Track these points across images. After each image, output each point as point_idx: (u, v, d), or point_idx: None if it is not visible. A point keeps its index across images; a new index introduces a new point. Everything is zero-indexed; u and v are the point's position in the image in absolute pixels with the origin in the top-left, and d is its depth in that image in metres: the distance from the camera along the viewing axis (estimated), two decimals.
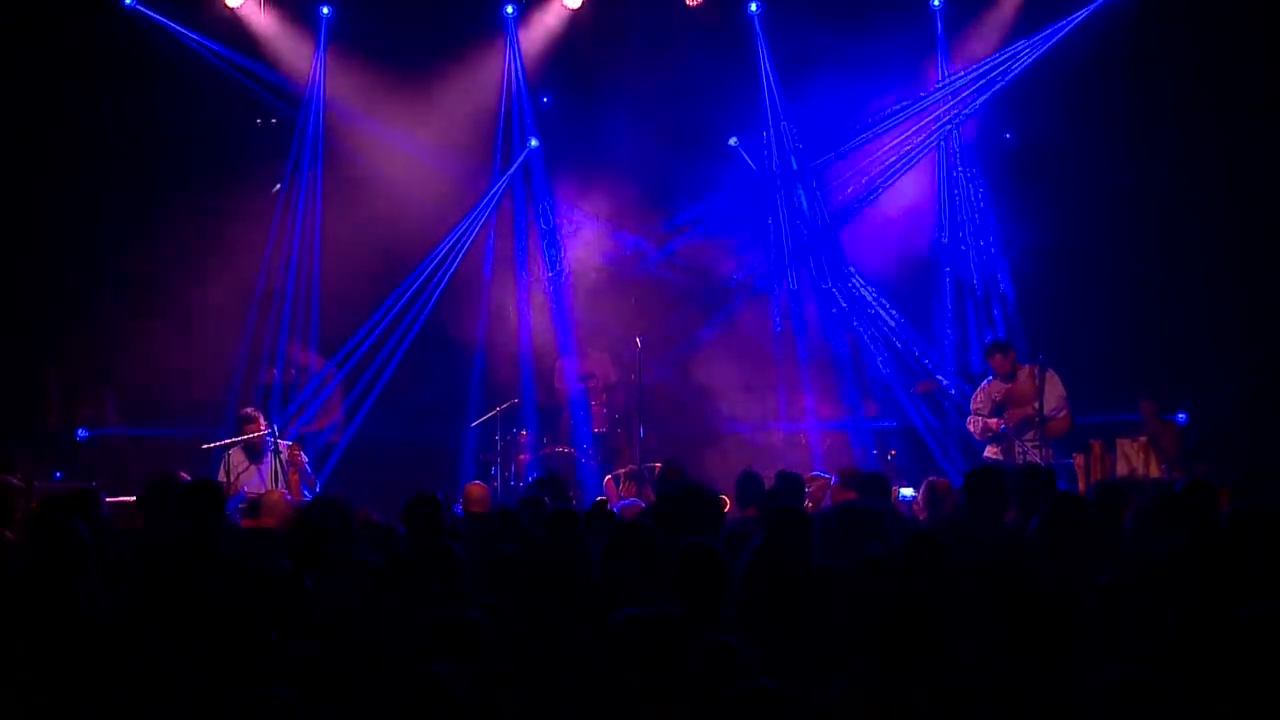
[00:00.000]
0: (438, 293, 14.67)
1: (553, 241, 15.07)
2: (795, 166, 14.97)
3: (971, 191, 14.72)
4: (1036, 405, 11.99)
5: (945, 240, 14.78)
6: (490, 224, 14.98)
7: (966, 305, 14.80)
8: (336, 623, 5.55)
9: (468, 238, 14.86)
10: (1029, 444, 12.03)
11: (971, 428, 12.58)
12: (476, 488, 10.49)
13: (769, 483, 9.28)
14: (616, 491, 12.98)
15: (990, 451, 12.42)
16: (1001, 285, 14.59)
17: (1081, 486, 11.40)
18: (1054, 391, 12.21)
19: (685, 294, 15.15)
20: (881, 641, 4.88)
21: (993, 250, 14.59)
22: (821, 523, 7.06)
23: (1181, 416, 12.55)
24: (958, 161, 14.80)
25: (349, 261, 14.15)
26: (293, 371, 14.29)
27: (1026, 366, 12.44)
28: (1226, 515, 6.66)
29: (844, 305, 14.94)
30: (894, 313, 14.87)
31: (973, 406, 12.70)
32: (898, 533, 7.03)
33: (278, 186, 14.52)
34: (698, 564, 5.81)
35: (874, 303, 14.88)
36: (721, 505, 7.99)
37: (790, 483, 8.99)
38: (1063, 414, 12.27)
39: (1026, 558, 6.46)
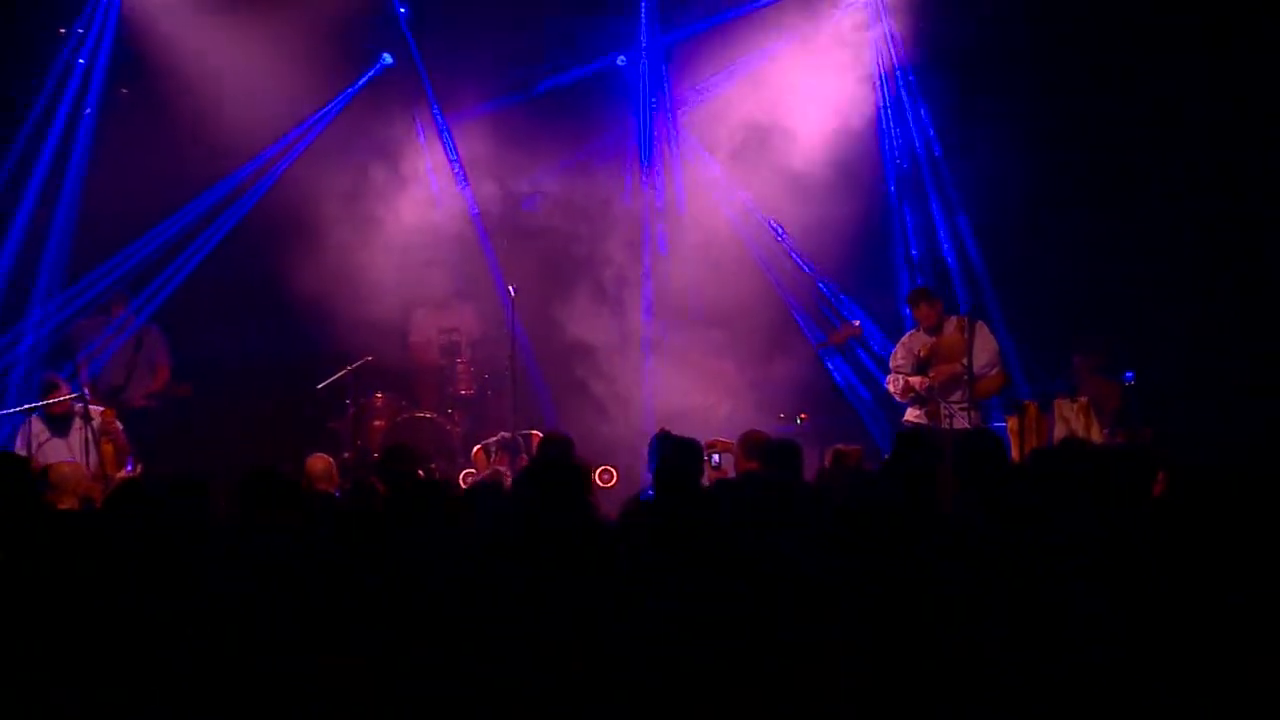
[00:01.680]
0: (249, 231, 14.54)
1: (411, 177, 15.01)
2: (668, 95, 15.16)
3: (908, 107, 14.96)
4: (965, 362, 12.04)
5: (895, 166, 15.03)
6: (330, 154, 14.81)
7: (895, 245, 15.08)
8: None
9: (282, 166, 14.65)
10: (956, 406, 12.08)
11: (891, 387, 12.65)
12: (320, 461, 10.44)
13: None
14: (487, 463, 13.08)
15: (911, 415, 12.50)
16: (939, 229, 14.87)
17: (1015, 453, 11.50)
18: (985, 346, 12.29)
19: (565, 238, 15.21)
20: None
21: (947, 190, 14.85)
22: (720, 498, 7.02)
23: (1128, 374, 12.73)
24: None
25: (140, 193, 13.91)
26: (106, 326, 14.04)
27: (954, 318, 12.53)
28: (1170, 485, 6.85)
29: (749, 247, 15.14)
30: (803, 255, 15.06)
31: (892, 363, 12.77)
32: (809, 510, 6.92)
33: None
34: (577, 549, 5.85)
35: (779, 237, 15.02)
36: (587, 478, 7.84)
37: (685, 451, 8.93)
38: (994, 371, 12.37)
39: (958, 538, 6.44)
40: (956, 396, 12.19)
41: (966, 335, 12.10)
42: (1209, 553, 5.54)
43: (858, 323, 14.31)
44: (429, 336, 14.85)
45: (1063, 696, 4.88)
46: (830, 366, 14.88)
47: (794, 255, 15.04)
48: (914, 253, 14.87)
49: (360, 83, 14.91)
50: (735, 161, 14.95)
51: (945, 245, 14.80)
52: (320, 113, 14.82)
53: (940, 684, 5.04)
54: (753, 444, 9.70)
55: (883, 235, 14.92)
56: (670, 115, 15.20)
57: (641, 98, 15.27)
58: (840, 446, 9.63)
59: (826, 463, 9.31)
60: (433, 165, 15.16)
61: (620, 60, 15.31)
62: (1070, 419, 11.91)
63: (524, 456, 13.20)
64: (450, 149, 15.12)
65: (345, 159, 14.87)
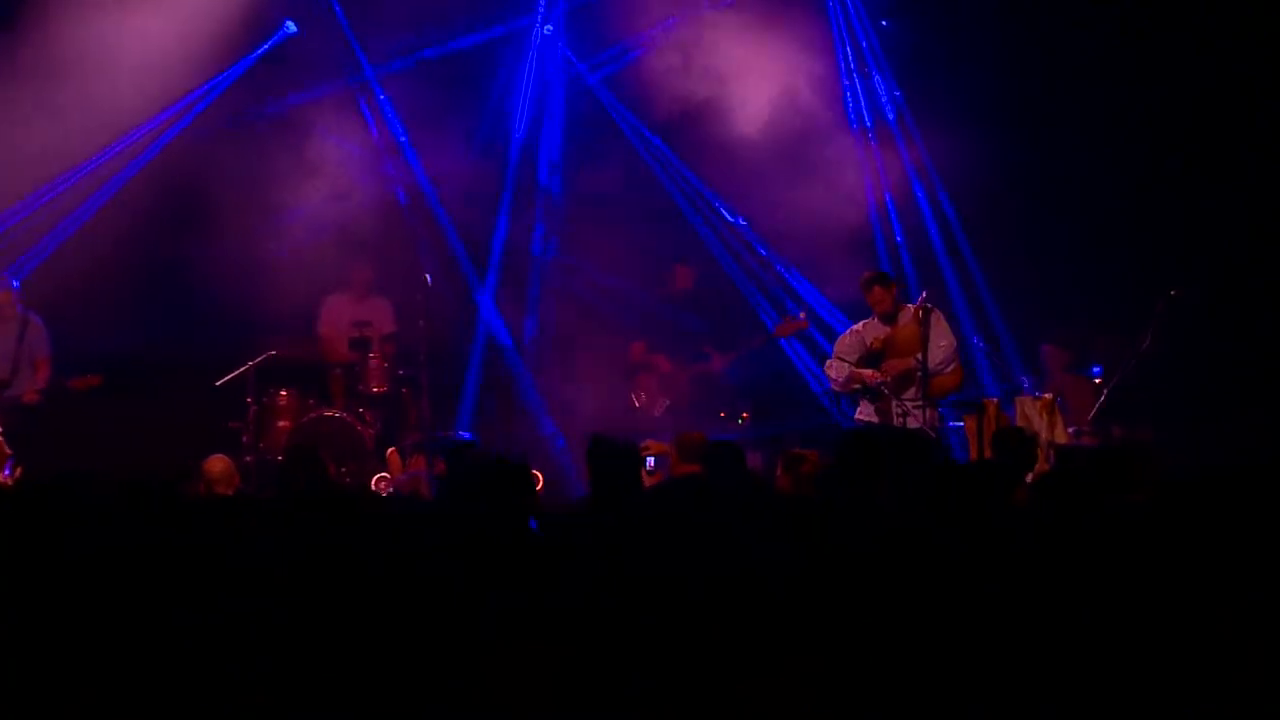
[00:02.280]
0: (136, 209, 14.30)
1: (322, 155, 14.90)
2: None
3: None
4: (920, 356, 12.02)
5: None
6: (228, 129, 14.71)
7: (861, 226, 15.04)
8: None
9: (167, 138, 14.49)
10: (910, 404, 12.04)
11: (831, 373, 12.54)
12: (219, 463, 10.45)
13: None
14: (402, 466, 12.96)
15: (863, 413, 12.44)
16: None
17: (974, 453, 11.54)
18: (941, 339, 12.24)
19: (479, 223, 15.23)
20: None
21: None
22: (656, 504, 7.16)
23: (1096, 369, 12.76)
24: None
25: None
26: None
27: (909, 307, 12.48)
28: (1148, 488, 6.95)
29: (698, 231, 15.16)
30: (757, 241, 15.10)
31: (836, 349, 12.65)
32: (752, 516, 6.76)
33: None
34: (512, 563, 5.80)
35: (734, 221, 15.03)
36: (530, 482, 7.79)
37: (621, 453, 8.71)
38: (952, 367, 12.32)
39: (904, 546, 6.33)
40: (910, 394, 12.17)
41: (921, 326, 12.07)
42: (1183, 563, 5.46)
43: (803, 315, 14.32)
44: (340, 329, 14.73)
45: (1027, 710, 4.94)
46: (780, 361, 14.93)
47: (750, 238, 15.05)
48: (878, 234, 14.93)
49: (260, 51, 14.78)
50: (672, 135, 14.89)
51: (897, 226, 14.92)
52: (213, 82, 14.70)
53: (897, 699, 5.06)
54: (690, 446, 9.68)
55: (847, 216, 14.76)
56: (594, 83, 15.15)
57: (555, 65, 15.23)
58: (795, 451, 9.52)
59: (780, 469, 9.27)
60: (346, 142, 15.05)
61: (547, 29, 15.28)
62: (1033, 417, 11.86)
63: (441, 459, 13.01)
64: (369, 125, 15.11)
65: (248, 135, 14.74)
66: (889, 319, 12.44)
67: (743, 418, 14.27)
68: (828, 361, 12.64)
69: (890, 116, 14.97)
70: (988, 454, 11.16)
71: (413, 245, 15.12)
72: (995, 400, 11.99)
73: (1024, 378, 12.55)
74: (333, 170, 14.86)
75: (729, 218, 14.94)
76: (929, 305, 12.17)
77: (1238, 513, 5.56)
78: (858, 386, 12.39)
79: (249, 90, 14.83)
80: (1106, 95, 13.92)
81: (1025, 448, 9.78)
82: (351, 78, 15.06)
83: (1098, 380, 12.82)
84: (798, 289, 15.02)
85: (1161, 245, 13.77)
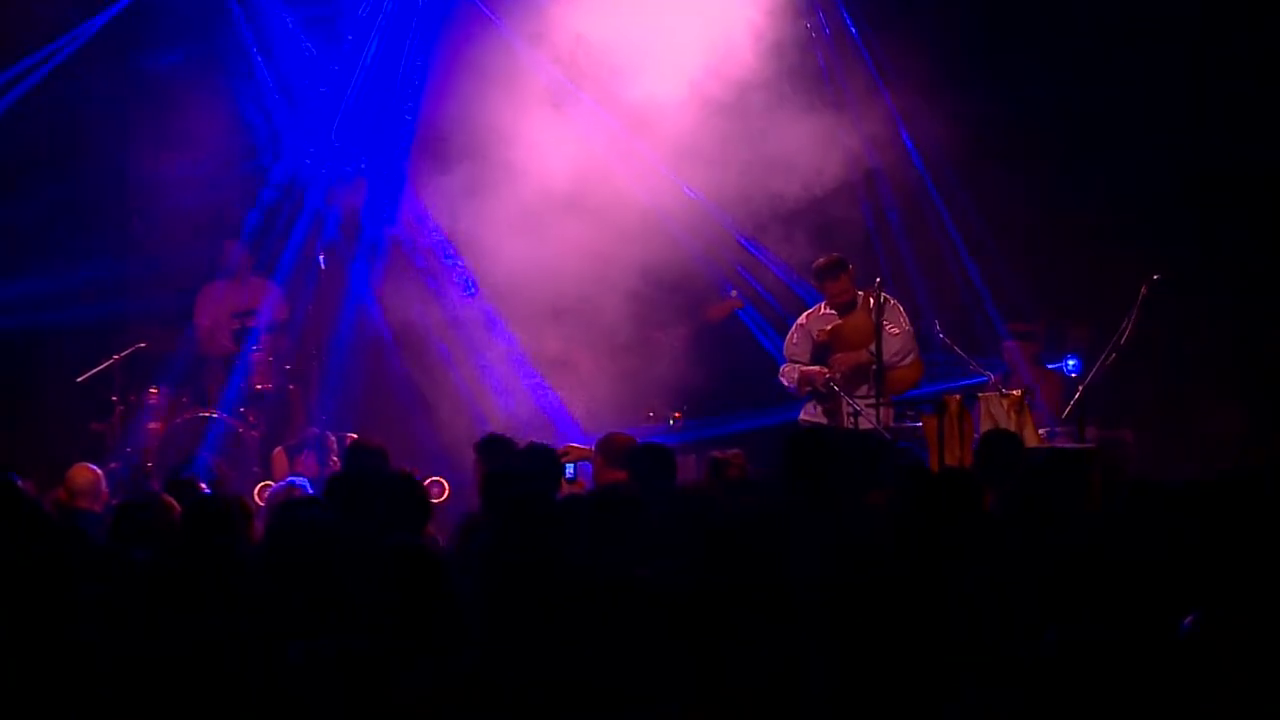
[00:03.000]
0: None
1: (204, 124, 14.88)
2: None
3: None
4: (872, 348, 11.94)
5: None
6: (95, 89, 14.63)
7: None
8: None
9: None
10: (862, 402, 11.96)
11: (785, 380, 12.53)
12: (85, 472, 10.33)
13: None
14: (289, 470, 12.97)
15: (808, 414, 12.39)
16: None
17: (933, 458, 11.42)
18: (896, 327, 12.19)
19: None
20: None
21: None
22: (577, 514, 7.18)
23: (1072, 363, 12.80)
24: None
25: None
26: None
27: (861, 293, 12.41)
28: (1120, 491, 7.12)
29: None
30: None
31: (786, 350, 12.65)
32: (685, 526, 6.99)
33: None
34: (405, 573, 5.81)
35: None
36: (423, 491, 7.96)
37: (537, 460, 8.96)
38: (909, 359, 12.28)
39: (865, 559, 6.53)
40: (863, 391, 12.14)
41: (874, 315, 11.99)
42: (1155, 572, 5.80)
43: (735, 293, 14.39)
44: (220, 318, 14.66)
45: None
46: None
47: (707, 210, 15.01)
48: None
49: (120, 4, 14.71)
50: (606, 95, 14.83)
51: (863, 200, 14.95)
52: (69, 36, 14.57)
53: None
54: (616, 450, 9.62)
55: (812, 185, 14.65)
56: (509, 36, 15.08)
57: (458, 22, 15.20)
58: (717, 453, 9.55)
59: (704, 473, 9.37)
60: (236, 110, 15.10)
61: None
62: (1000, 417, 11.74)
63: (336, 460, 13.22)
64: (266, 87, 15.14)
65: (109, 98, 14.67)
66: (847, 309, 12.39)
67: (675, 417, 14.26)
68: (781, 368, 12.61)
69: (863, 74, 15.03)
70: (949, 459, 11.22)
71: (303, 224, 15.06)
72: (958, 397, 11.79)
73: (990, 372, 12.46)
74: (220, 138, 14.94)
75: (686, 191, 14.92)
76: (882, 292, 12.08)
77: (1212, 524, 6.02)
78: (810, 388, 12.36)
79: (111, 49, 14.70)
80: (1092, 63, 14.13)
81: (1013, 456, 9.68)
82: (229, 38, 15.04)
83: (1073, 375, 12.84)
84: (774, 271, 15.00)
85: (1146, 225, 13.86)
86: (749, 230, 14.79)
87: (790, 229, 14.41)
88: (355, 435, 12.72)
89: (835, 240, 14.08)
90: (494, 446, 9.56)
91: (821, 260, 12.57)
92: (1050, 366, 13.51)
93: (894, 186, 14.86)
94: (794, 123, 14.29)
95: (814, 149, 14.25)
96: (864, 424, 11.78)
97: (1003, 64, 14.41)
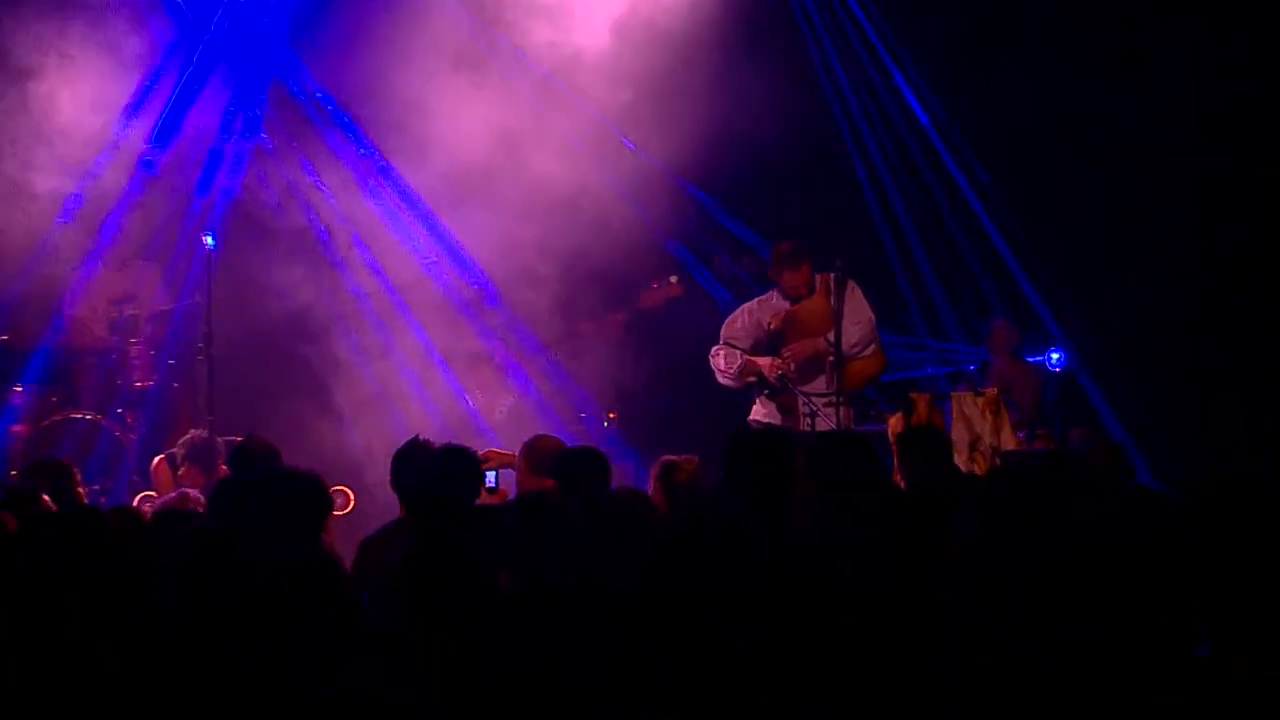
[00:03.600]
0: None
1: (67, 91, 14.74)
2: None
3: None
4: (829, 337, 11.97)
5: None
6: None
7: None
8: None
9: None
10: (819, 399, 11.97)
11: (718, 363, 12.46)
12: None
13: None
14: (173, 478, 12.75)
15: (760, 413, 12.37)
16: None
17: (898, 463, 11.14)
18: (857, 315, 12.17)
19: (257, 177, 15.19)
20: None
21: None
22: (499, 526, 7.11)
23: (1056, 356, 12.83)
24: None
25: None
26: None
27: (820, 276, 12.38)
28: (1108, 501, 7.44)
29: None
30: None
31: (725, 332, 12.56)
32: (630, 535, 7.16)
33: None
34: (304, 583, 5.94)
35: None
36: (320, 492, 7.88)
37: (454, 466, 8.85)
38: (871, 349, 12.27)
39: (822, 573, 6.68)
40: (820, 385, 12.14)
41: (834, 300, 11.99)
42: (1148, 594, 5.98)
43: (675, 279, 14.46)
44: (95, 307, 14.60)
45: None
46: None
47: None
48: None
49: None
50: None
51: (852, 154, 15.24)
52: None
53: None
54: (542, 455, 9.61)
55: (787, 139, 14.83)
56: None
57: None
58: (669, 458, 9.52)
59: (652, 479, 9.35)
60: (101, 76, 14.91)
61: None
62: (973, 417, 11.86)
63: (225, 467, 12.78)
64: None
65: None
66: (803, 295, 12.36)
67: (610, 418, 14.35)
68: (714, 349, 12.51)
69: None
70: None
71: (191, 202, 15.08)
72: (927, 396, 11.91)
73: (967, 363, 12.55)
74: (89, 107, 14.75)
75: (628, 146, 15.00)
76: (843, 274, 12.05)
77: (1212, 536, 6.13)
78: (753, 379, 12.31)
79: None
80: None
81: (939, 452, 9.81)
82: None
83: (1057, 370, 13.01)
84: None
85: (1142, 206, 14.08)
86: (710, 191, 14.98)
87: (754, 193, 14.63)
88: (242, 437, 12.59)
89: (802, 208, 14.35)
90: (410, 453, 9.45)
91: (783, 246, 12.54)
92: (1031, 360, 13.59)
93: (878, 148, 15.07)
94: (759, 72, 14.39)
95: (781, 101, 14.35)
96: (822, 424, 11.80)
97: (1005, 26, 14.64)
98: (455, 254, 15.00)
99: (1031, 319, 14.29)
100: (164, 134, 15.10)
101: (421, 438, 9.69)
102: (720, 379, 12.47)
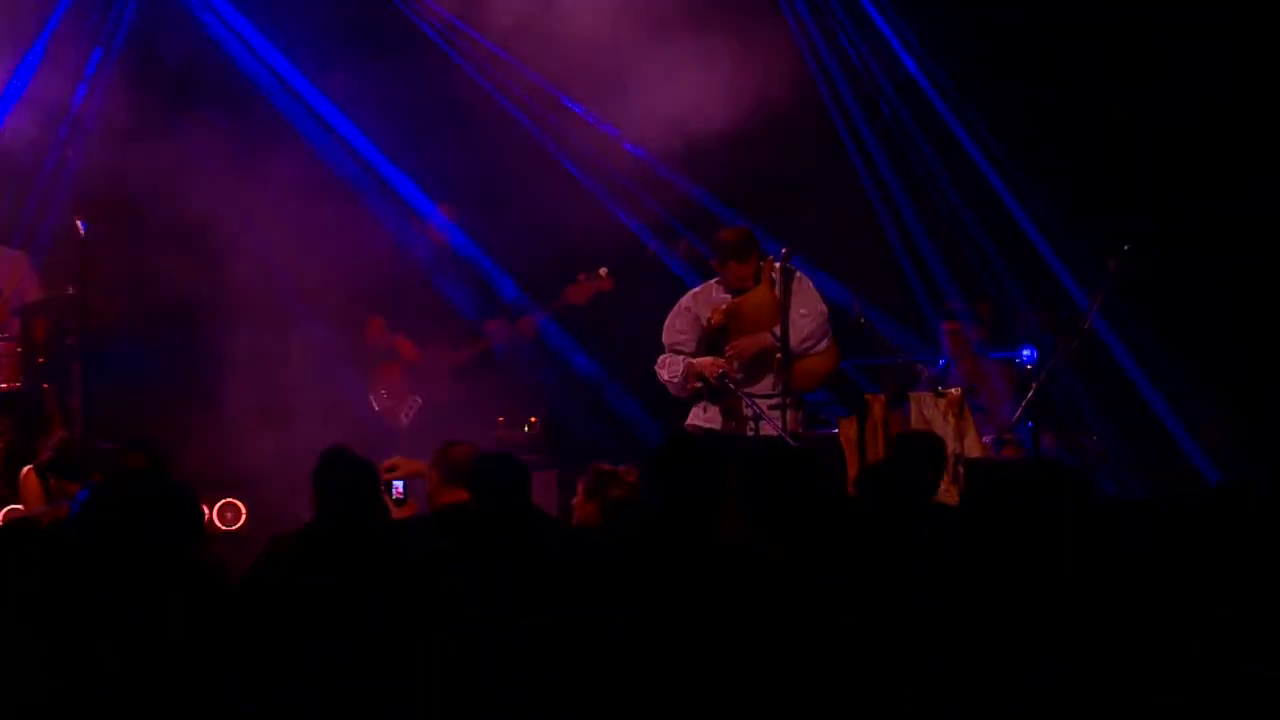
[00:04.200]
0: None
1: None
2: None
3: None
4: (776, 332, 11.98)
5: None
6: None
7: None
8: None
9: None
10: (763, 401, 11.94)
11: (663, 374, 12.49)
12: None
13: None
14: (42, 493, 12.76)
15: (698, 418, 12.35)
16: None
17: (852, 469, 11.54)
18: (806, 305, 12.20)
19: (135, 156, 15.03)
20: None
21: None
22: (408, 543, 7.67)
23: (1026, 353, 12.77)
24: None
25: None
26: None
27: (763, 263, 12.37)
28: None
29: None
30: None
31: (666, 337, 12.54)
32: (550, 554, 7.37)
33: None
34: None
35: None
36: (190, 505, 7.63)
37: (352, 476, 8.62)
38: (823, 345, 12.28)
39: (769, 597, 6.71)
40: (766, 386, 12.11)
41: (778, 291, 11.99)
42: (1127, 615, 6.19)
43: (604, 271, 14.41)
44: None
45: None
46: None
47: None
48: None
49: None
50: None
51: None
52: None
53: None
54: (455, 463, 9.54)
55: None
56: None
57: None
58: (602, 467, 9.54)
59: (580, 490, 9.40)
60: None
61: None
62: (934, 420, 11.88)
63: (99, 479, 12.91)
64: None
65: None
66: (747, 285, 12.35)
67: (531, 423, 14.29)
68: (660, 360, 12.58)
69: None
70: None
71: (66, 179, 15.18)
72: (882, 397, 11.94)
73: (925, 362, 12.56)
74: None
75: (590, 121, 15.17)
76: (790, 264, 12.09)
77: (1195, 551, 6.54)
78: (699, 385, 12.33)
79: None
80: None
81: (935, 460, 9.82)
82: None
83: (1028, 367, 12.83)
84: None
85: (1120, 186, 14.38)
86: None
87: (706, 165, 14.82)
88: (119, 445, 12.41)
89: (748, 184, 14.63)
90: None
91: (729, 235, 12.53)
92: (996, 356, 13.66)
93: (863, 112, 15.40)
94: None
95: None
96: (766, 429, 11.84)
97: None
98: (357, 243, 14.93)
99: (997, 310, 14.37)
100: (22, 105, 15.19)
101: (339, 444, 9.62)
102: (673, 392, 12.49)
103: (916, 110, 15.43)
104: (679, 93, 14.46)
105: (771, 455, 8.37)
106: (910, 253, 15.29)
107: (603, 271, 14.55)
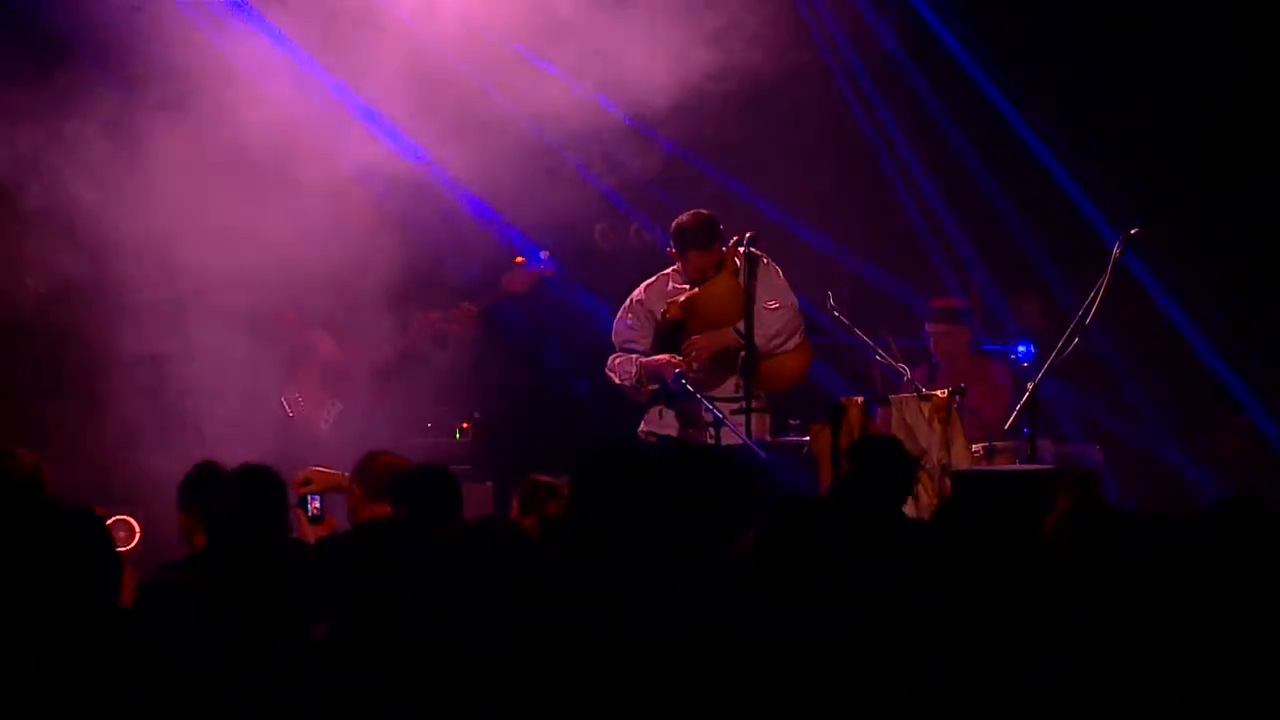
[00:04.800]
0: None
1: None
2: None
3: None
4: (740, 328, 12.01)
5: None
6: None
7: None
8: None
9: None
10: (726, 405, 11.96)
11: (614, 376, 12.50)
12: None
13: None
14: None
15: (653, 424, 12.44)
16: None
17: (824, 480, 11.51)
18: (774, 298, 12.24)
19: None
20: None
21: None
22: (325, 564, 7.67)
23: (1022, 349, 12.76)
24: None
25: None
26: None
27: (726, 249, 12.39)
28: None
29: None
30: None
31: (617, 336, 12.57)
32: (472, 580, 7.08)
33: None
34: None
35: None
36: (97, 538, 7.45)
37: (255, 488, 8.85)
38: (793, 341, 12.32)
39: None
40: (729, 388, 12.14)
41: (743, 279, 12.01)
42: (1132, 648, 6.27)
43: (547, 253, 14.49)
44: None
45: None
46: None
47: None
48: None
49: None
50: None
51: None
52: None
53: None
54: (378, 475, 9.57)
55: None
56: None
57: None
58: (539, 477, 9.58)
59: (515, 505, 9.53)
60: None
61: None
62: (917, 426, 11.83)
63: None
64: None
65: None
66: (707, 276, 12.39)
67: (463, 429, 14.44)
68: (610, 360, 12.61)
69: None
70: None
71: None
72: (858, 400, 11.87)
73: (905, 365, 12.47)
74: None
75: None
76: (755, 249, 12.10)
77: (1212, 573, 6.56)
78: (655, 386, 12.35)
79: None
80: None
81: (900, 468, 9.80)
82: None
83: (1025, 364, 12.82)
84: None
85: (1131, 161, 14.50)
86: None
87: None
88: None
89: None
90: (201, 480, 9.45)
91: (689, 220, 12.46)
92: (989, 349, 13.76)
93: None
94: None
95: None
96: (728, 438, 11.80)
97: None
98: (269, 228, 14.62)
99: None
100: None
101: (213, 461, 9.66)
102: (629, 396, 12.57)
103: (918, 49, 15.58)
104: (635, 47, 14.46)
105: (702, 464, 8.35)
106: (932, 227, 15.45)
107: (544, 255, 14.43)
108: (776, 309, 12.19)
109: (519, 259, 14.80)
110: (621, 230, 15.49)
